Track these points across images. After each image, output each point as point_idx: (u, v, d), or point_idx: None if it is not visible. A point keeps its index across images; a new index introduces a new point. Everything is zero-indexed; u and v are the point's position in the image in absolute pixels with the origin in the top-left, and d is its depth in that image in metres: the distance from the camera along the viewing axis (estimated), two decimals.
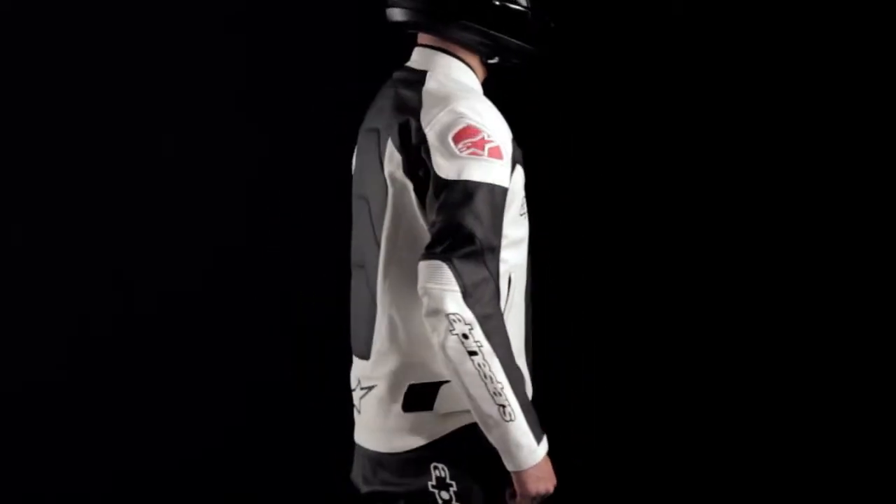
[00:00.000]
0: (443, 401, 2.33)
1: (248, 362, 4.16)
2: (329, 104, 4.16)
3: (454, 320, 2.20)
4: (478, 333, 2.21)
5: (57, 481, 4.12)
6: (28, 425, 4.12)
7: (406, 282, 2.32)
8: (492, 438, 2.27)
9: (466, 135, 2.30)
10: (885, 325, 3.96)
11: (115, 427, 4.14)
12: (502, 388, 2.23)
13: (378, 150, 2.38)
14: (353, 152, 2.54)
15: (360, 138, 2.48)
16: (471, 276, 2.22)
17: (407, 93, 2.38)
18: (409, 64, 2.46)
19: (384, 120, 2.38)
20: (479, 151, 2.28)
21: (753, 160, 4.06)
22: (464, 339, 2.21)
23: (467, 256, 2.22)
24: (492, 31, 2.44)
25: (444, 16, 2.41)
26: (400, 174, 2.33)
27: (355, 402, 2.46)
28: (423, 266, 2.23)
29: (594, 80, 4.13)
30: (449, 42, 2.44)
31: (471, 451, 2.33)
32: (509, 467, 2.29)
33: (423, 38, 2.47)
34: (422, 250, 2.26)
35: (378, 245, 2.37)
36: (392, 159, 2.34)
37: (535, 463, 2.28)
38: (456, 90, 2.36)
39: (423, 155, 2.30)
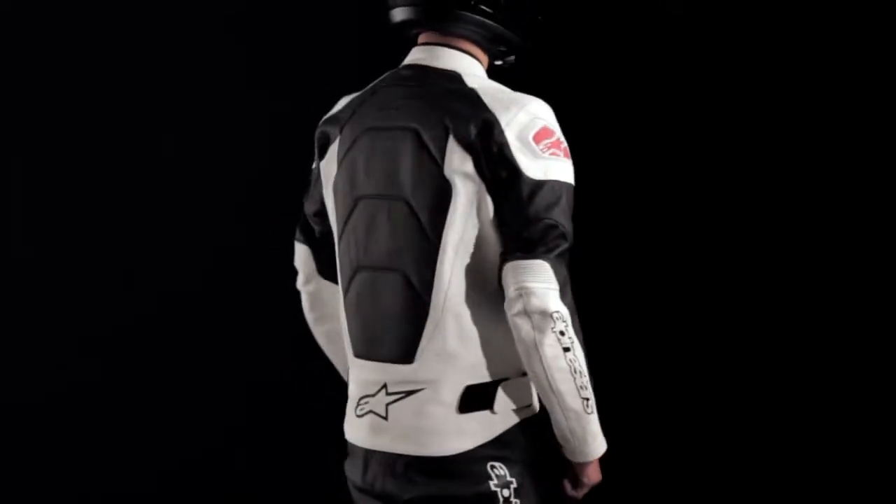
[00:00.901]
0: (501, 399, 2.35)
1: (248, 362, 4.16)
2: (330, 104, 4.16)
3: (556, 318, 2.25)
4: (570, 330, 2.27)
5: (57, 481, 4.12)
6: (28, 426, 4.12)
7: (470, 281, 2.33)
8: (566, 431, 2.34)
9: (544, 135, 2.33)
10: (887, 326, 3.97)
11: (115, 427, 4.15)
12: (587, 382, 2.32)
13: (425, 150, 2.33)
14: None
15: (363, 137, 2.40)
16: (562, 273, 2.28)
17: (450, 91, 2.36)
18: (416, 62, 2.42)
19: (424, 119, 2.34)
20: (558, 151, 2.33)
21: (753, 160, 4.07)
22: (560, 336, 2.26)
23: (561, 255, 2.28)
24: (500, 27, 2.45)
25: (455, 11, 2.41)
26: (472, 174, 2.31)
27: (374, 408, 2.38)
28: (523, 265, 2.26)
29: (594, 80, 4.13)
30: (459, 39, 2.44)
31: (525, 446, 2.37)
32: (579, 458, 2.38)
33: (428, 35, 2.45)
34: (489, 249, 2.30)
35: (433, 245, 2.33)
36: (458, 159, 2.31)
37: (602, 452, 2.39)
38: (508, 90, 2.38)
39: (505, 155, 2.30)
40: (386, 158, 2.37)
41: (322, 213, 2.53)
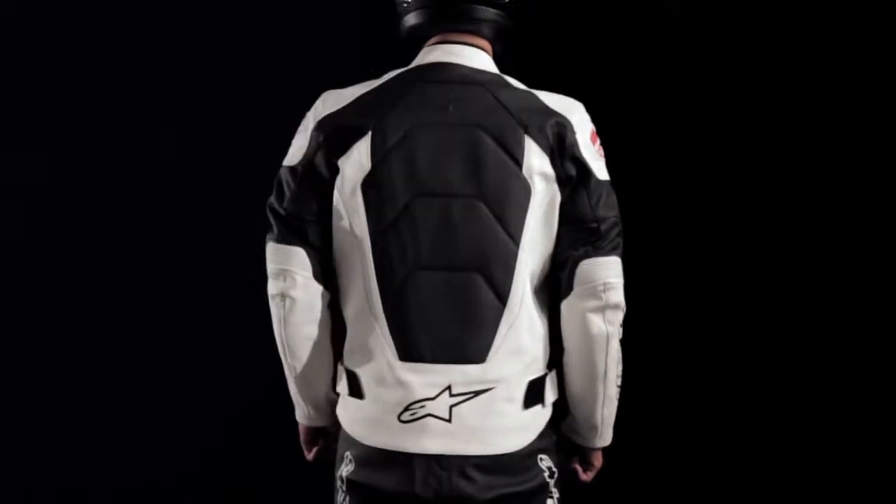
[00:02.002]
0: (548, 392, 2.44)
1: (247, 362, 4.16)
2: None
3: (623, 312, 2.40)
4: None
5: (57, 482, 4.12)
6: (28, 427, 4.12)
7: (538, 279, 2.39)
8: (598, 417, 2.48)
9: (595, 138, 2.45)
10: (887, 327, 3.97)
11: (115, 427, 4.15)
12: (622, 370, 2.46)
13: (501, 148, 2.35)
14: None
15: (419, 132, 2.35)
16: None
17: (515, 94, 2.39)
18: (448, 60, 2.43)
19: (490, 117, 2.35)
20: (602, 154, 2.45)
21: (753, 160, 4.07)
22: (621, 329, 2.41)
23: (622, 251, 2.42)
24: (510, 25, 2.51)
25: (481, 9, 2.45)
26: (550, 173, 2.36)
27: (432, 411, 2.35)
28: (603, 262, 2.38)
29: (594, 80, 4.14)
30: (477, 38, 2.47)
31: (553, 437, 2.47)
32: (600, 444, 2.53)
33: (447, 35, 2.45)
34: (549, 246, 2.38)
35: (511, 245, 2.35)
36: (537, 159, 2.36)
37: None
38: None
39: (576, 155, 2.38)
40: (459, 156, 2.36)
41: (323, 211, 2.42)
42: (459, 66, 2.41)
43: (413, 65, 2.45)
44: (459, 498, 2.35)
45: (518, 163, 2.34)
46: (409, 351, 2.34)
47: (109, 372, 4.15)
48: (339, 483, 2.42)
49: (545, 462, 2.42)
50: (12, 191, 4.10)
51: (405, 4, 2.47)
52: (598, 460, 2.56)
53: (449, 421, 2.34)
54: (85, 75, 4.11)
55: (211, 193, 4.17)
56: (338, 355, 2.48)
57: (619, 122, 4.15)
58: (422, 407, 2.35)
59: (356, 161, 2.36)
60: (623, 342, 2.44)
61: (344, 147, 2.37)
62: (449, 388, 2.34)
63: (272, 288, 2.43)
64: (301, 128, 2.44)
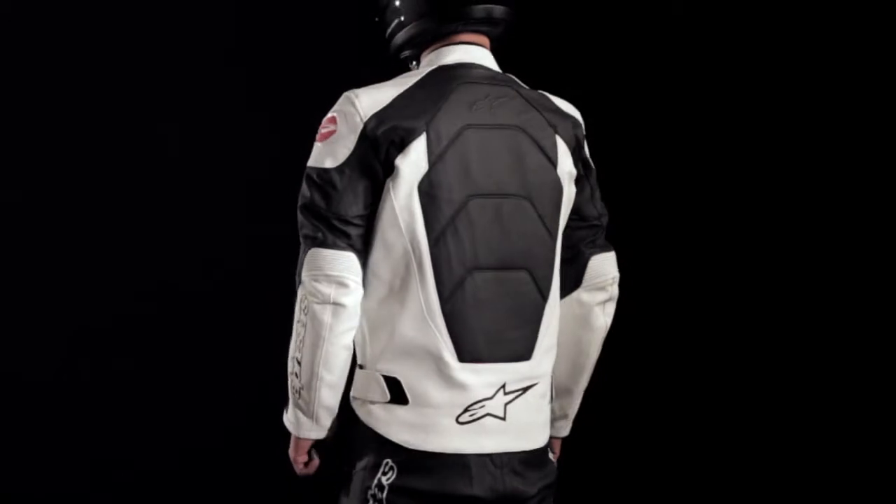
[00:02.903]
0: (553, 385, 2.52)
1: (248, 362, 4.16)
2: (330, 104, 4.16)
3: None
4: None
5: (57, 481, 4.12)
6: (27, 425, 4.12)
7: (557, 275, 2.46)
8: (576, 407, 2.60)
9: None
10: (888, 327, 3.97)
11: (115, 427, 4.15)
12: None
13: (540, 151, 2.40)
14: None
15: (468, 134, 2.34)
16: None
17: (533, 94, 2.46)
18: (475, 61, 2.44)
19: (526, 119, 2.39)
20: None
21: (753, 160, 4.07)
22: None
23: None
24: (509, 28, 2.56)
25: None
26: (573, 172, 2.45)
27: (491, 410, 2.36)
28: (611, 257, 2.55)
29: (594, 80, 4.13)
30: (487, 39, 2.50)
31: None
32: (565, 433, 2.63)
33: (470, 36, 2.46)
34: (561, 243, 2.46)
35: (552, 243, 2.42)
36: (565, 159, 2.43)
37: None
38: None
39: (585, 154, 2.50)
40: (507, 157, 2.37)
41: (371, 214, 2.36)
42: (480, 67, 2.43)
43: (437, 64, 2.43)
44: (514, 494, 2.37)
45: (553, 163, 2.41)
46: (468, 352, 2.33)
47: (109, 372, 4.15)
48: (375, 492, 2.35)
49: (549, 453, 2.48)
50: (11, 188, 4.11)
51: (411, 5, 2.45)
52: (559, 450, 2.63)
53: (504, 419, 2.36)
54: (83, 76, 4.11)
55: (212, 193, 4.17)
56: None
57: (618, 122, 4.16)
58: (481, 407, 2.35)
59: (413, 161, 2.32)
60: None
61: (401, 146, 2.32)
62: (503, 386, 2.36)
63: (318, 295, 2.32)
64: (334, 128, 2.36)
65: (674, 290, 4.15)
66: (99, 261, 4.13)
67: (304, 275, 2.33)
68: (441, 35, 2.45)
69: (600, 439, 4.07)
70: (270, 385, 4.17)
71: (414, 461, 2.33)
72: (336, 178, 2.33)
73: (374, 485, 2.35)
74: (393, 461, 2.34)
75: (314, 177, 2.35)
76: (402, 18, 2.46)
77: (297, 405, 2.37)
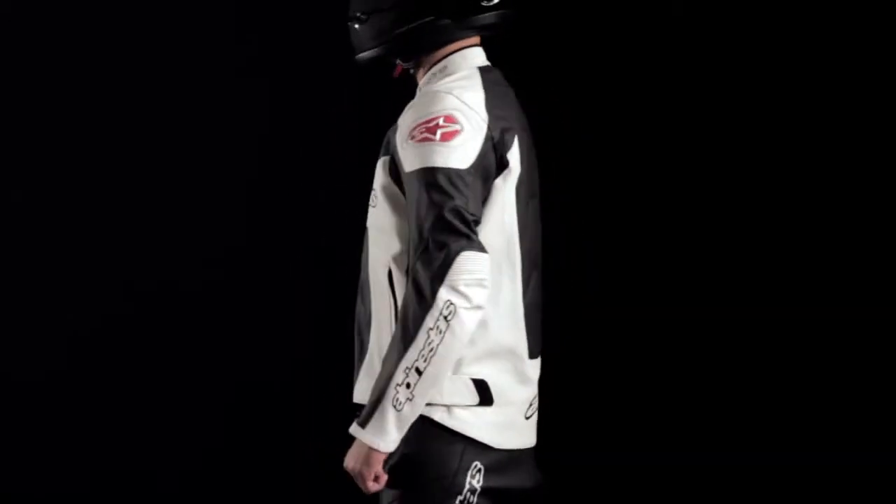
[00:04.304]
0: None
1: (247, 362, 4.16)
2: (329, 104, 4.16)
3: None
4: None
5: (56, 482, 4.12)
6: (26, 426, 4.12)
7: None
8: None
9: None
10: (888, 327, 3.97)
11: (115, 427, 4.14)
12: None
13: (534, 150, 2.45)
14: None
15: (521, 136, 2.38)
16: None
17: None
18: (487, 63, 2.46)
19: (523, 121, 2.44)
20: None
21: (752, 160, 4.06)
22: None
23: None
24: None
25: None
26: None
27: (536, 405, 2.46)
28: None
29: (593, 80, 4.13)
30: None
31: None
32: None
33: (474, 39, 2.45)
34: None
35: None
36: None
37: None
38: None
39: None
40: (533, 158, 2.44)
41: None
42: (496, 69, 2.47)
43: (474, 66, 2.42)
44: (539, 484, 2.45)
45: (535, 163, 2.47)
46: (531, 348, 2.40)
47: (109, 371, 4.14)
48: (467, 496, 2.33)
49: None
50: (11, 188, 4.11)
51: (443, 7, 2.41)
52: None
53: (530, 417, 2.45)
54: (82, 76, 4.11)
55: (211, 193, 4.16)
56: None
57: (618, 123, 4.15)
58: (535, 401, 2.44)
59: (517, 160, 2.36)
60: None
61: (509, 145, 2.35)
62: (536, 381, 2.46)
63: (470, 301, 2.23)
64: (458, 127, 2.30)
65: (673, 290, 4.15)
66: (98, 261, 4.12)
67: (452, 279, 2.21)
68: (463, 37, 2.42)
69: (601, 438, 4.07)
70: (270, 386, 4.20)
71: (498, 460, 2.35)
72: (469, 178, 2.27)
73: (465, 490, 2.32)
74: (481, 463, 2.33)
75: (451, 178, 2.26)
76: (427, 18, 2.41)
77: (396, 418, 2.25)
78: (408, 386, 2.23)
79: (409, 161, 2.28)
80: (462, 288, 2.21)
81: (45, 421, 4.12)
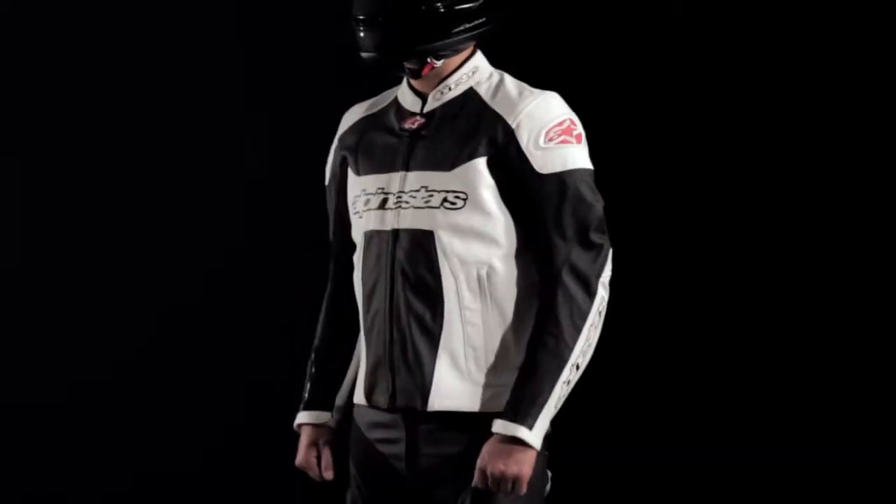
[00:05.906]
0: None
1: (248, 362, 4.16)
2: (330, 106, 4.16)
3: None
4: None
5: (57, 482, 4.12)
6: (27, 426, 4.12)
7: None
8: None
9: None
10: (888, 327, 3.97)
11: (114, 427, 4.14)
12: None
13: None
14: None
15: None
16: None
17: None
18: None
19: None
20: None
21: (753, 160, 4.06)
22: None
23: None
24: None
25: None
26: None
27: None
28: None
29: (594, 81, 4.13)
30: None
31: None
32: None
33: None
34: None
35: None
36: None
37: None
38: None
39: None
40: None
41: None
42: None
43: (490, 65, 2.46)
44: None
45: None
46: None
47: (108, 372, 4.14)
48: (549, 486, 2.36)
49: None
50: (12, 191, 4.10)
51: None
52: None
53: None
54: (82, 77, 4.11)
55: (211, 193, 4.16)
56: None
57: (618, 123, 4.14)
58: None
59: None
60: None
61: None
62: None
63: (606, 296, 2.34)
64: (581, 130, 2.40)
65: (674, 290, 4.15)
66: (98, 261, 4.13)
67: (605, 278, 2.34)
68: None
69: (603, 439, 4.07)
70: (271, 386, 4.20)
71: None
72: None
73: (549, 479, 2.35)
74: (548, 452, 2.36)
75: (594, 178, 2.41)
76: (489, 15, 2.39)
77: (550, 416, 2.28)
78: (568, 383, 2.27)
79: (551, 162, 2.31)
80: (607, 286, 2.32)
81: (45, 421, 4.12)
